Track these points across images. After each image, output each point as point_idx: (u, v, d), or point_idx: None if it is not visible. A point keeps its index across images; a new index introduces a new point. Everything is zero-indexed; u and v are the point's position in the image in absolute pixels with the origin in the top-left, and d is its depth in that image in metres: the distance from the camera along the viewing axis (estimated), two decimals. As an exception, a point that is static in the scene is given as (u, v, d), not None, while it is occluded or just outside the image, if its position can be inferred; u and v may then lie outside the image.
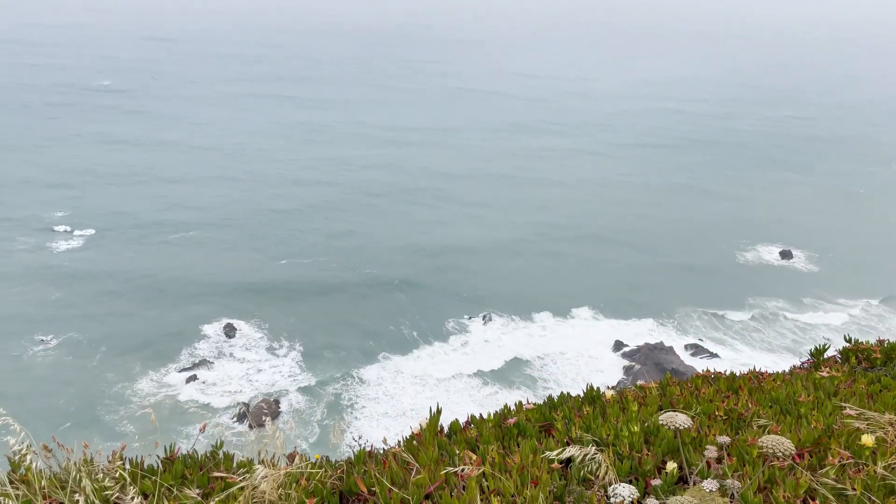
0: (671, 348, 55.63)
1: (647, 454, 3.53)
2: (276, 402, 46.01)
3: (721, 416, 3.97)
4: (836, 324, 60.80)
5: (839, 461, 3.53)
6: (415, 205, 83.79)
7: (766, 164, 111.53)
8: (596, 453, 3.15)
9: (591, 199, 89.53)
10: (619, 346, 57.64)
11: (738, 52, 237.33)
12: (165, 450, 3.69)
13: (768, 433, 3.69)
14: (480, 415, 4.20)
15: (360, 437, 4.29)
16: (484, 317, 61.62)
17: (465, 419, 4.29)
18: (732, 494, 3.07)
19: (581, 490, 3.23)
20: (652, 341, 57.31)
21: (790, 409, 4.13)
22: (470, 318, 61.14)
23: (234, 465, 3.52)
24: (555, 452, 3.13)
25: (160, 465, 3.49)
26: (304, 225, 76.09)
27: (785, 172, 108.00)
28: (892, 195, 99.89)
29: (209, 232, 72.12)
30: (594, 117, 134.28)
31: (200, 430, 5.74)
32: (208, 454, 3.61)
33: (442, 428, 4.07)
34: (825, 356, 5.50)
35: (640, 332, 60.67)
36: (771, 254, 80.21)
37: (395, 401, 47.90)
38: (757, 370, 4.85)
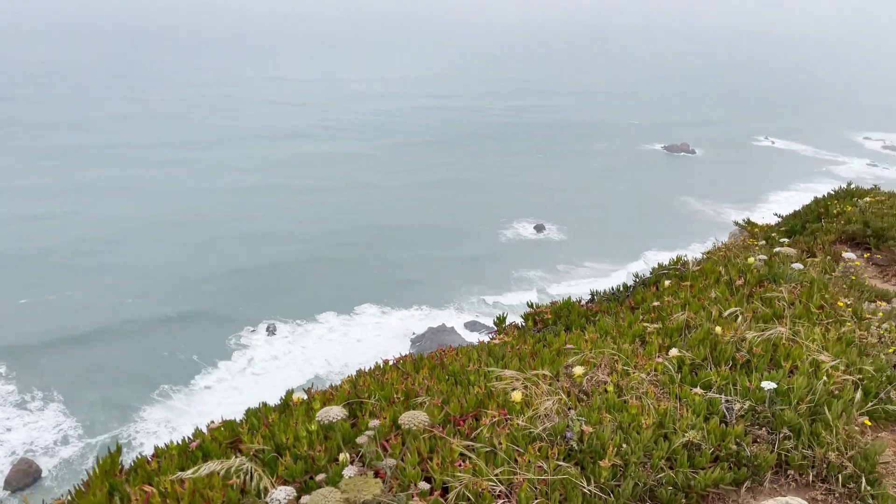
0: (452, 328, 58.87)
1: (321, 450, 3.68)
2: (34, 464, 40.26)
3: (399, 399, 4.28)
4: (580, 292, 68.91)
5: (491, 420, 4.00)
6: (176, 228, 77.90)
7: (518, 149, 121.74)
8: (244, 463, 3.21)
9: (361, 201, 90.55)
10: (412, 335, 59.73)
11: (485, 46, 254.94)
12: None
13: (427, 408, 4.06)
14: (165, 444, 4.06)
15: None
16: (268, 328, 59.92)
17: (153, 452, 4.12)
18: (386, 472, 3.33)
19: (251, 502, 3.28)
20: (435, 325, 60.31)
21: (462, 379, 4.60)
22: (253, 330, 59.02)
23: None
24: (190, 471, 3.13)
25: None
26: (60, 261, 67.12)
27: (535, 155, 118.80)
28: (633, 169, 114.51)
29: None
30: (357, 118, 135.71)
31: None
32: None
33: (122, 467, 3.86)
34: (506, 324, 6.19)
35: (425, 319, 63.48)
36: (526, 229, 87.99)
37: (178, 433, 44.51)
38: (443, 347, 5.30)
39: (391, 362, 4.95)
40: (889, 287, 7.12)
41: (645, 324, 5.30)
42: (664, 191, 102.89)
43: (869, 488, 3.94)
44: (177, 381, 49.61)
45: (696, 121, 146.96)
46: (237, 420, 4.31)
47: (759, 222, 10.64)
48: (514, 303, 65.92)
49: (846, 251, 7.90)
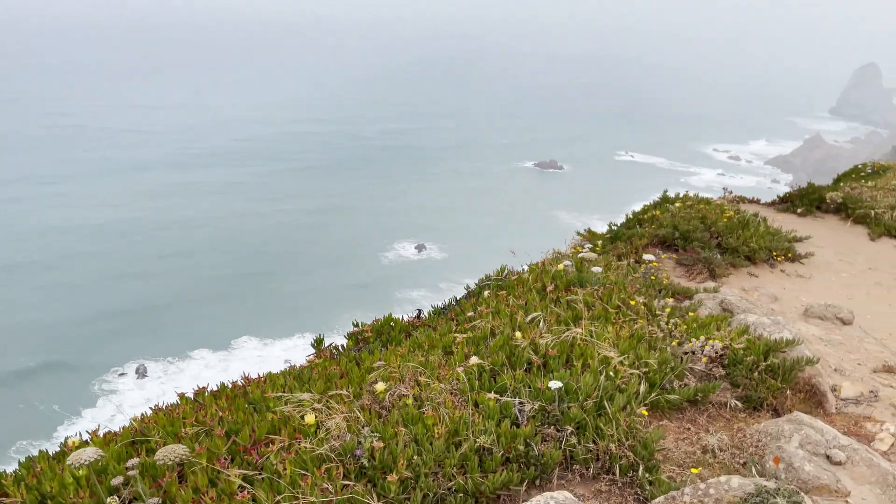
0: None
1: (84, 496, 3.43)
2: None
3: (188, 433, 4.08)
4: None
5: (279, 446, 3.90)
6: (26, 271, 71.39)
7: (395, 172, 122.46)
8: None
9: (236, 232, 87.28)
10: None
11: (355, 68, 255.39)
12: None
13: (200, 441, 3.91)
14: None
15: None
16: (137, 369, 56.34)
17: None
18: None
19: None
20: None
21: (261, 406, 4.47)
22: (121, 373, 55.29)
23: None
24: None
25: None
26: None
27: (412, 177, 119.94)
28: (507, 186, 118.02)
29: None
30: (229, 145, 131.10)
31: None
32: None
33: None
34: (328, 344, 6.12)
35: (309, 347, 61.94)
36: (407, 250, 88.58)
37: None
38: (247, 375, 5.14)
39: (187, 395, 4.73)
40: (693, 284, 7.70)
41: (455, 334, 5.41)
42: (537, 206, 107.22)
43: (647, 475, 4.19)
44: (37, 436, 45.39)
45: (563, 139, 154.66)
46: (5, 472, 3.95)
47: (600, 231, 11.27)
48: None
49: (658, 253, 8.50)
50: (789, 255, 8.83)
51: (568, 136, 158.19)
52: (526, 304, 5.96)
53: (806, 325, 6.94)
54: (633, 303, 5.79)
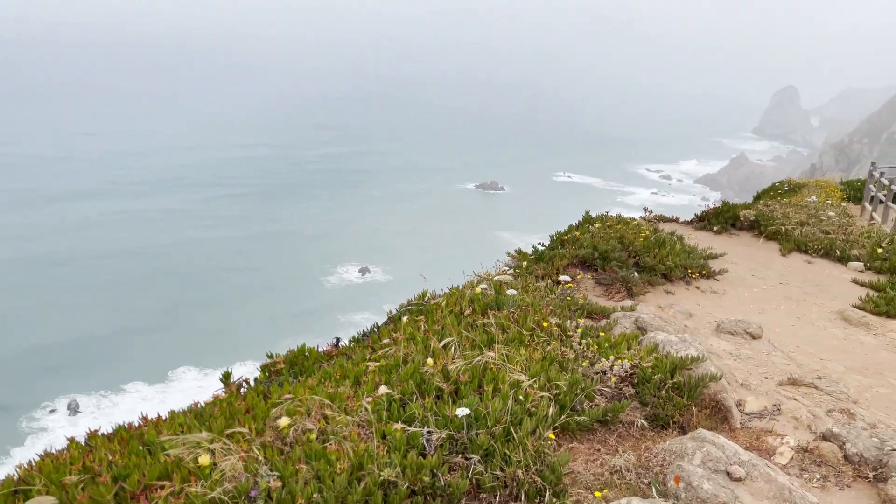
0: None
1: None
2: None
3: (72, 481, 3.84)
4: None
5: (168, 491, 3.71)
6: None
7: (336, 196, 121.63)
8: None
9: (173, 260, 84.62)
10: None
11: (289, 90, 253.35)
12: None
13: (84, 488, 3.69)
14: None
15: None
16: (69, 405, 53.92)
17: None
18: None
19: None
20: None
21: (156, 448, 4.25)
22: (51, 409, 52.80)
23: None
24: None
25: None
26: None
27: (355, 201, 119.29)
28: (449, 207, 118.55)
29: None
30: (166, 172, 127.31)
31: None
32: None
33: None
34: (233, 379, 5.92)
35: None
36: (351, 273, 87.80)
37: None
38: (145, 415, 4.90)
39: (78, 439, 4.45)
40: (611, 303, 7.82)
41: (368, 363, 5.31)
42: (479, 226, 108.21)
43: (554, 500, 4.17)
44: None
45: (502, 161, 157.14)
46: None
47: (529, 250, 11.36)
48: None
49: (578, 273, 8.62)
50: (704, 272, 9.10)
51: (508, 158, 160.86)
52: (442, 328, 5.91)
53: (717, 341, 7.13)
54: (545, 324, 5.82)
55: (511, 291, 6.19)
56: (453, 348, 5.36)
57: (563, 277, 7.24)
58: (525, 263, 9.06)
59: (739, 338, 7.27)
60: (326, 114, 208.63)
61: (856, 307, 8.81)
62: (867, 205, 20.14)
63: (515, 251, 11.36)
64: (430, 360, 5.02)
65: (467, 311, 6.26)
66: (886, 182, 17.83)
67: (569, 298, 6.74)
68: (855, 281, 10.01)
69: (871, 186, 20.30)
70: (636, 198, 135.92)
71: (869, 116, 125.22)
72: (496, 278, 6.76)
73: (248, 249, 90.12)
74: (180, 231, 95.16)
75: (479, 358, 5.12)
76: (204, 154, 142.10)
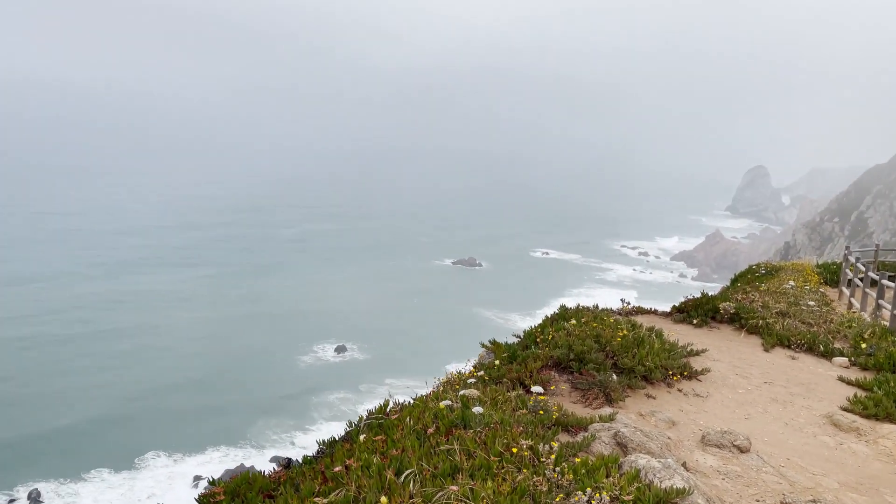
0: (252, 466, 54.24)
1: None
2: None
3: None
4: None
5: None
6: None
7: (314, 273, 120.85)
8: None
9: (142, 344, 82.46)
10: (209, 478, 54.29)
11: (265, 170, 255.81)
12: None
13: None
14: None
15: None
16: (29, 495, 51.25)
17: None
18: None
19: None
20: (232, 466, 55.64)
21: None
22: (11, 500, 49.99)
23: None
24: None
25: None
26: None
27: (332, 278, 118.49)
28: (427, 283, 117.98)
29: None
30: (133, 253, 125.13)
31: None
32: None
33: None
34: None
35: (224, 460, 58.46)
36: (327, 352, 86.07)
37: None
38: None
39: None
40: (588, 412, 7.31)
41: (315, 499, 4.71)
42: (457, 303, 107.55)
43: None
44: None
45: (480, 237, 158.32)
46: None
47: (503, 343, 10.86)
48: (322, 431, 62.69)
49: (554, 376, 8.12)
50: (686, 372, 8.66)
51: (485, 235, 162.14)
52: (402, 452, 5.34)
53: (703, 456, 6.61)
54: (514, 450, 5.28)
55: (477, 409, 5.67)
56: (410, 483, 4.78)
57: (535, 389, 6.74)
58: (497, 363, 8.57)
59: (727, 451, 6.75)
60: (302, 192, 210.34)
61: (844, 409, 8.38)
62: (845, 289, 20.07)
63: (490, 342, 10.86)
64: (383, 499, 4.44)
65: (431, 430, 5.71)
66: (862, 267, 17.79)
67: (541, 412, 6.23)
68: (841, 379, 9.62)
69: (848, 271, 20.31)
70: (615, 274, 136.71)
71: (837, 196, 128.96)
72: (462, 392, 6.24)
73: (221, 330, 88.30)
74: (149, 314, 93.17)
75: (440, 494, 4.55)
76: (178, 234, 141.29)
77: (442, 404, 5.93)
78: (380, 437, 5.78)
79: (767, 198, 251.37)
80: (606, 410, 7.32)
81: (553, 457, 5.26)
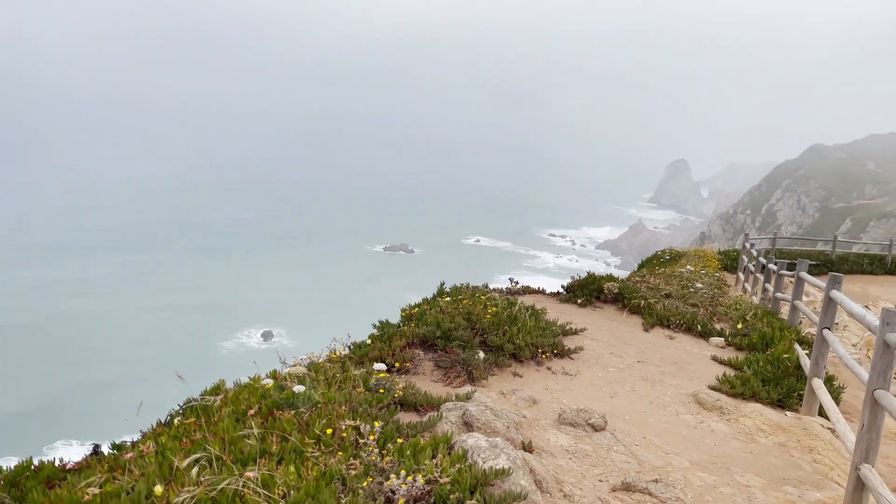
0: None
1: None
2: None
3: None
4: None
5: None
6: None
7: (242, 260, 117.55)
8: None
9: (62, 332, 78.29)
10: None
11: (193, 155, 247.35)
12: None
13: None
14: None
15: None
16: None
17: None
18: None
19: None
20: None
21: None
22: None
23: None
24: None
25: None
26: None
27: (261, 264, 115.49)
28: (357, 269, 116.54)
29: None
30: (62, 238, 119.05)
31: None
32: None
33: None
34: None
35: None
36: (253, 338, 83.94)
37: None
38: None
39: None
40: (448, 390, 6.96)
41: (91, 489, 4.13)
42: (387, 288, 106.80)
43: None
44: None
45: (412, 225, 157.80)
46: None
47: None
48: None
49: (419, 354, 7.75)
50: (557, 350, 8.44)
51: (417, 223, 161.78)
52: (206, 436, 4.81)
53: (556, 434, 6.36)
54: (329, 431, 4.83)
55: (298, 388, 5.19)
56: (199, 468, 4.25)
57: (377, 366, 6.31)
58: (369, 341, 8.13)
59: (580, 430, 6.52)
60: (235, 179, 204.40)
61: (712, 388, 8.36)
62: (741, 275, 20.66)
63: (379, 321, 10.41)
64: (158, 489, 3.90)
65: (252, 412, 5.20)
66: (755, 253, 18.29)
67: (381, 391, 5.81)
68: (714, 358, 9.65)
69: (744, 257, 20.90)
70: (542, 261, 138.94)
71: (750, 189, 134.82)
72: (286, 370, 5.75)
73: (146, 321, 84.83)
74: (71, 300, 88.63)
75: (227, 482, 4.04)
76: (104, 219, 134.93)
77: (268, 383, 5.42)
78: (191, 420, 5.23)
79: (688, 190, 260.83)
80: (466, 389, 6.99)
81: (372, 437, 4.84)
